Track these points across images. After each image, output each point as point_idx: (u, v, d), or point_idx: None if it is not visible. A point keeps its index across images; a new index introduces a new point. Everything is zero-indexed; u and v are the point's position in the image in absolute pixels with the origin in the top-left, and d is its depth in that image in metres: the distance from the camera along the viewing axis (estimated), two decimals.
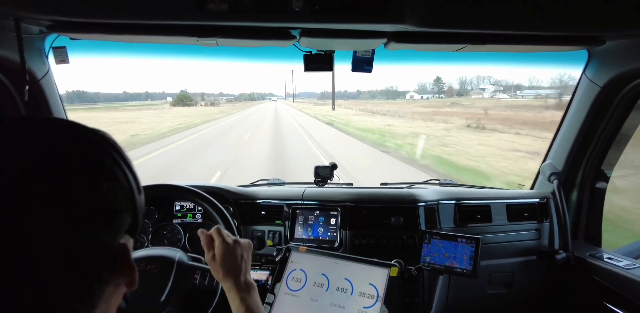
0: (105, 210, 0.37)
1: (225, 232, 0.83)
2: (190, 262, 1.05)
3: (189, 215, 1.45)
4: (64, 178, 0.34)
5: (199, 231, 0.84)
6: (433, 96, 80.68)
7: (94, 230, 0.35)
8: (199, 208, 1.46)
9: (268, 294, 1.04)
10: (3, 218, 0.31)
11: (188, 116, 29.17)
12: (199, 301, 1.01)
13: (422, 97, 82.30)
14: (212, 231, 0.83)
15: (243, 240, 0.84)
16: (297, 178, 2.08)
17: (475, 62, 1.51)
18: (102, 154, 0.38)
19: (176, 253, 1.05)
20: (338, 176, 1.63)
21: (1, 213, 0.31)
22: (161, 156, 9.64)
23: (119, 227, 0.38)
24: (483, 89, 64.57)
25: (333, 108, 40.66)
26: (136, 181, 0.41)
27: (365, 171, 7.05)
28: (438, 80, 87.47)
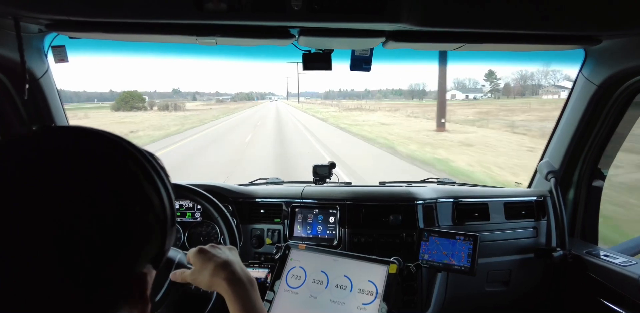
0: (133, 237, 0.35)
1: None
2: (190, 265, 1.04)
3: (188, 213, 1.46)
4: (97, 198, 0.33)
5: (172, 274, 0.77)
6: (484, 96, 63.06)
7: (118, 254, 0.34)
8: (198, 207, 1.46)
9: (268, 291, 1.04)
10: (24, 231, 0.30)
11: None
12: (194, 305, 1.00)
13: (466, 96, 65.15)
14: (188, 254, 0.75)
15: (222, 245, 0.78)
16: None
17: (473, 61, 1.51)
18: (143, 177, 0.36)
19: (177, 254, 1.04)
20: (337, 175, 1.64)
21: (23, 226, 0.30)
22: None
23: (142, 256, 0.37)
24: (561, 88, 43.78)
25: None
26: (172, 212, 0.40)
27: None
28: (491, 75, 61.13)
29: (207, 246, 0.75)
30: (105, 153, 0.35)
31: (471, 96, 65.31)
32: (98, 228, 0.32)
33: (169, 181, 0.41)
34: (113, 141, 0.37)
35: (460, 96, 67.50)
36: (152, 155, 0.40)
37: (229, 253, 0.75)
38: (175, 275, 0.76)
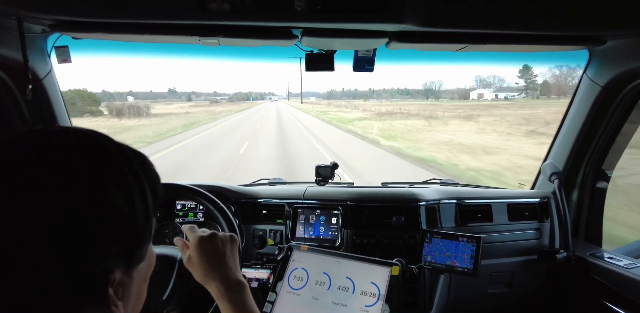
0: (106, 231, 0.35)
1: (202, 229, 0.75)
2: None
3: (191, 214, 1.46)
4: (93, 193, 0.34)
5: (175, 239, 0.76)
6: (517, 95, 54.04)
7: (90, 248, 0.34)
8: (201, 208, 1.46)
9: (270, 293, 1.04)
10: (24, 227, 0.31)
11: None
12: (201, 300, 1.01)
13: (496, 96, 56.08)
14: (185, 228, 0.75)
15: (224, 233, 0.74)
16: None
17: (476, 61, 1.51)
18: (129, 173, 0.38)
19: (178, 253, 1.05)
20: (339, 176, 1.64)
21: (23, 223, 0.31)
22: None
23: (112, 252, 0.36)
24: None
25: None
26: (155, 205, 0.40)
27: None
28: (526, 70, 48.29)
29: (207, 235, 0.71)
30: (98, 151, 0.37)
31: (501, 95, 55.72)
32: (92, 223, 0.33)
33: (157, 181, 0.42)
34: (104, 140, 0.38)
35: (489, 95, 58.64)
36: (143, 156, 0.41)
37: (228, 250, 0.72)
38: (178, 242, 0.76)
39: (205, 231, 0.73)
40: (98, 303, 0.36)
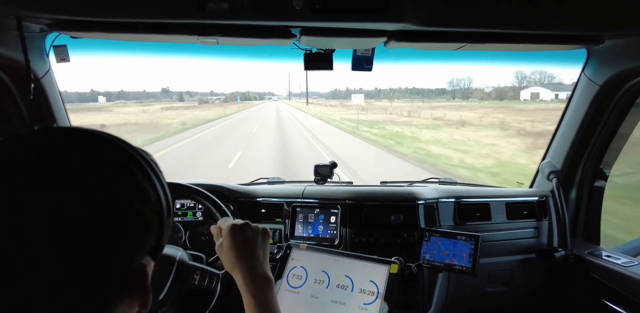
0: (132, 230, 0.36)
1: (237, 220, 0.76)
2: (191, 262, 1.05)
3: (190, 213, 1.46)
4: (95, 191, 0.33)
5: (212, 227, 0.77)
6: None
7: (117, 247, 0.35)
8: (200, 206, 1.46)
9: None
10: (24, 229, 0.31)
11: None
12: (197, 302, 1.01)
13: (556, 95, 46.42)
14: (220, 221, 0.76)
15: (256, 225, 0.75)
16: None
17: (475, 61, 1.51)
18: (138, 171, 0.37)
19: (178, 252, 1.05)
20: (338, 175, 1.64)
21: (23, 224, 0.31)
22: None
23: (142, 247, 0.37)
24: None
25: None
26: (167, 204, 0.40)
27: None
28: None
29: (239, 224, 0.72)
30: (100, 150, 0.36)
31: (562, 94, 43.83)
32: (97, 224, 0.33)
33: (163, 176, 0.42)
34: (107, 139, 0.38)
35: (547, 94, 49.02)
36: (145, 152, 0.41)
37: (259, 240, 0.73)
38: (214, 230, 0.76)
39: (239, 221, 0.74)
40: (134, 296, 0.38)
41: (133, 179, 0.37)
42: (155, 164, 0.41)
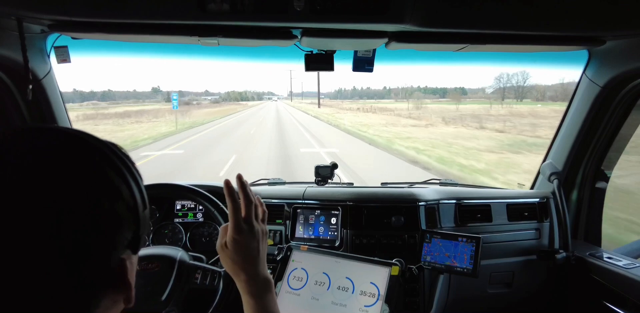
0: (106, 226, 0.36)
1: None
2: (192, 262, 1.05)
3: (190, 214, 1.46)
4: (65, 191, 0.33)
5: (222, 226, 0.72)
6: None
7: (92, 244, 0.35)
8: (200, 208, 1.46)
9: None
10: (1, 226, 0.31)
11: None
12: (200, 301, 1.01)
13: None
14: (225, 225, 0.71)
15: (260, 226, 0.71)
16: None
17: (476, 62, 1.51)
18: (108, 168, 0.37)
19: (178, 252, 1.05)
20: (338, 176, 1.64)
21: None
22: None
23: (119, 242, 0.38)
24: None
25: None
26: (142, 197, 0.41)
27: None
28: None
29: (247, 226, 0.67)
30: (68, 148, 0.36)
31: None
32: (68, 224, 0.33)
33: (136, 168, 0.42)
34: (75, 136, 0.38)
35: None
36: (115, 146, 0.41)
37: (262, 244, 0.70)
38: (223, 229, 0.70)
39: (247, 221, 0.69)
40: (116, 291, 0.38)
41: (103, 177, 0.37)
42: (127, 157, 0.41)
